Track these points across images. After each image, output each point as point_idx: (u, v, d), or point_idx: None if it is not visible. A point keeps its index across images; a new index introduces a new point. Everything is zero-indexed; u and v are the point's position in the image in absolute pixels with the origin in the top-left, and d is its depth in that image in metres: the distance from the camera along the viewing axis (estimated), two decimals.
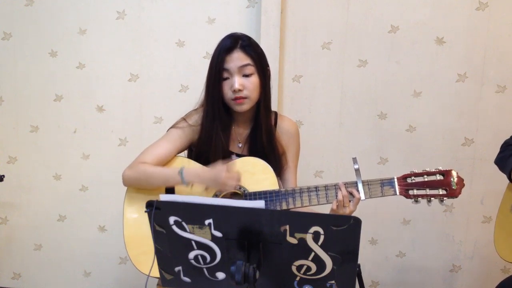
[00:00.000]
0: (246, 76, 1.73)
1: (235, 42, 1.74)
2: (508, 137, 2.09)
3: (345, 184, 1.69)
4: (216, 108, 1.76)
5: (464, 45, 2.46)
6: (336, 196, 1.67)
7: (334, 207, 1.67)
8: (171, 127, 1.84)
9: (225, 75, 1.74)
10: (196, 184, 1.72)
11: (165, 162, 1.80)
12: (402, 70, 2.50)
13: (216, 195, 1.76)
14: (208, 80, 1.77)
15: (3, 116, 2.60)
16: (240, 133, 1.85)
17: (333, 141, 2.57)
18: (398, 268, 2.68)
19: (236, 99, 1.73)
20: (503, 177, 2.04)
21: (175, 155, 1.82)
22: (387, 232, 2.64)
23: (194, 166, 1.77)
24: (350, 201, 1.67)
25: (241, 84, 1.72)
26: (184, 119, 1.84)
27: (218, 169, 1.67)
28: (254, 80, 1.74)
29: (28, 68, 2.55)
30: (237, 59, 1.72)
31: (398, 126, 2.55)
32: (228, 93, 1.74)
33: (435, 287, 2.68)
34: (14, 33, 2.53)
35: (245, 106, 1.75)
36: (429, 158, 2.53)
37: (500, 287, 2.02)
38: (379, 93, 2.52)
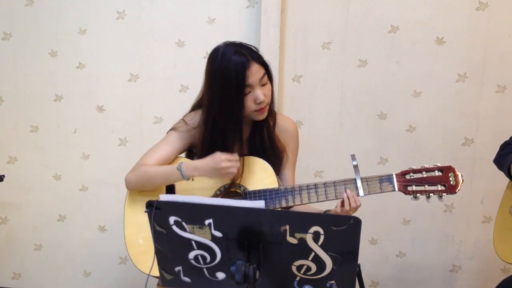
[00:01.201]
0: (263, 85, 1.71)
1: (245, 55, 1.68)
2: (508, 137, 2.09)
3: (344, 182, 1.69)
4: (238, 123, 1.72)
5: (464, 45, 2.46)
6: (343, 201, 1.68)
7: (339, 210, 1.68)
8: (171, 129, 1.84)
9: (248, 90, 1.69)
10: (196, 177, 1.73)
11: (166, 164, 1.79)
12: (402, 70, 2.50)
13: (216, 195, 1.76)
14: (224, 98, 1.69)
15: (3, 116, 2.60)
16: None
17: (333, 141, 2.57)
18: (398, 268, 2.68)
19: (259, 109, 1.71)
20: (503, 177, 2.04)
21: (176, 157, 1.82)
22: (387, 232, 2.64)
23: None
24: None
25: (264, 94, 1.70)
26: (184, 120, 1.84)
27: (217, 158, 1.68)
28: (269, 86, 1.74)
29: (28, 68, 2.55)
30: (256, 72, 1.68)
31: (398, 126, 2.55)
32: (251, 106, 1.70)
33: (435, 287, 2.68)
34: (14, 33, 2.53)
35: (266, 113, 1.75)
36: (429, 158, 2.53)
37: (500, 287, 2.02)
38: (379, 93, 2.52)
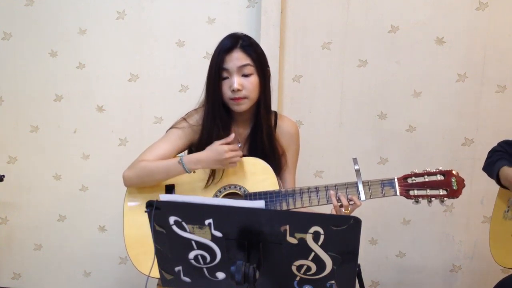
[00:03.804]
0: (245, 76, 1.73)
1: (235, 41, 1.74)
2: (507, 137, 2.08)
3: (345, 186, 1.69)
4: (216, 107, 1.76)
5: (464, 45, 2.46)
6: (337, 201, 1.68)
7: (334, 213, 1.68)
8: (171, 128, 1.84)
9: (225, 74, 1.74)
10: (198, 170, 1.75)
11: None
12: (402, 70, 2.50)
13: (216, 195, 1.76)
14: (208, 80, 1.78)
15: (3, 116, 2.60)
16: (240, 133, 1.85)
17: (333, 141, 2.57)
18: (398, 268, 2.68)
19: (234, 99, 1.73)
20: None
21: (175, 155, 1.82)
22: (387, 232, 2.64)
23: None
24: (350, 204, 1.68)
25: (240, 83, 1.72)
26: (184, 119, 1.84)
27: (219, 148, 1.69)
28: (254, 80, 1.74)
29: (28, 68, 2.55)
30: (237, 59, 1.72)
31: (398, 126, 2.55)
32: (227, 93, 1.74)
33: (435, 287, 2.68)
34: (14, 33, 2.53)
35: (244, 106, 1.75)
36: (429, 158, 2.53)
37: (500, 286, 2.02)
38: (379, 93, 2.52)
